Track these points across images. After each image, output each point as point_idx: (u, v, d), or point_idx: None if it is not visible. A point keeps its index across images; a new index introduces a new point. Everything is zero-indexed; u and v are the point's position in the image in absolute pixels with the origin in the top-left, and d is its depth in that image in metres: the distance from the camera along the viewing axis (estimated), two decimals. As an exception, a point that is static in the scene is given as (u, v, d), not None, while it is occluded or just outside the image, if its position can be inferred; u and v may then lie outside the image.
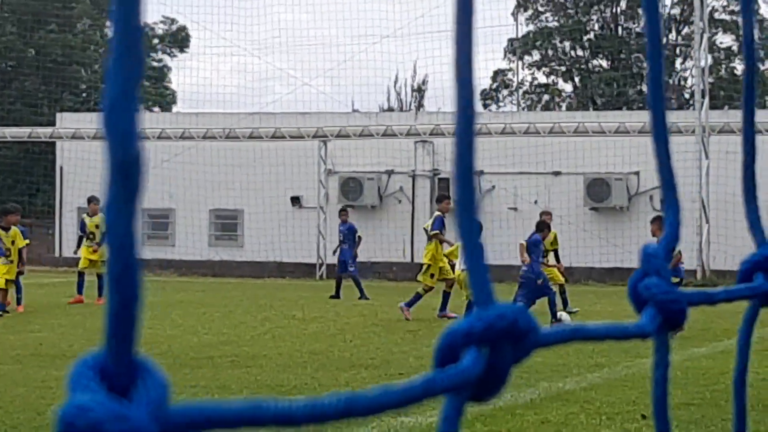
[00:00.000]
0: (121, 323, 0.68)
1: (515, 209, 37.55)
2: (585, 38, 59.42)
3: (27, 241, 22.22)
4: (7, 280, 21.31)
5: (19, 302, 21.68)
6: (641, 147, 35.08)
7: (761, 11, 51.29)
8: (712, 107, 36.80)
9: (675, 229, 1.11)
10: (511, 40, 58.75)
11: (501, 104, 60.15)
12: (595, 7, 59.17)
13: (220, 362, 13.90)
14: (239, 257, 40.18)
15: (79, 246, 25.49)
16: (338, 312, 21.97)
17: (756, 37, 1.33)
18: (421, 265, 21.98)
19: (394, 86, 59.18)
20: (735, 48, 57.31)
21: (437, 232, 21.33)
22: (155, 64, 59.68)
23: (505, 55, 59.90)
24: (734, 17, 56.19)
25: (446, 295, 20.77)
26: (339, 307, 23.28)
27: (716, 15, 56.14)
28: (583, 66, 59.93)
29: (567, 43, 59.76)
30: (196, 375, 12.55)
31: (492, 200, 37.29)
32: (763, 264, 1.27)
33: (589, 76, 58.79)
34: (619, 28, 59.42)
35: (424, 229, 22.59)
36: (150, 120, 40.98)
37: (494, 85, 60.17)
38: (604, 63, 59.70)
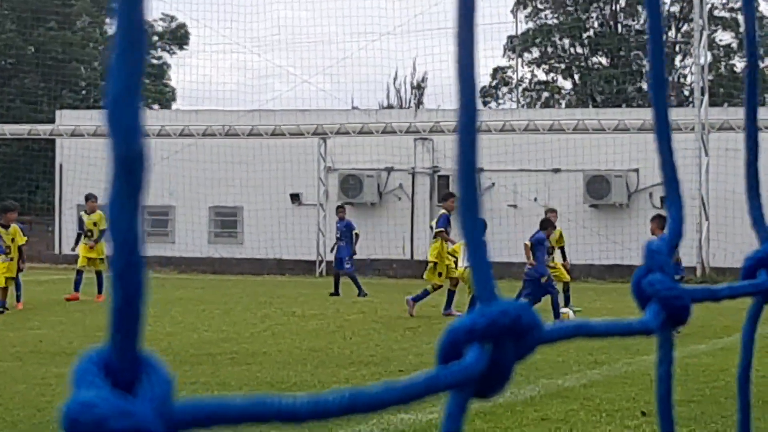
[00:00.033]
0: (125, 319, 0.68)
1: (515, 206, 37.55)
2: (584, 35, 59.43)
3: (26, 239, 22.22)
4: (7, 278, 21.30)
5: (18, 299, 21.67)
6: (641, 144, 35.09)
7: (761, 9, 51.23)
8: (712, 104, 36.79)
9: (678, 225, 1.10)
10: (510, 38, 58.79)
11: (500, 101, 60.21)
12: (595, 5, 59.17)
13: (219, 359, 13.91)
14: (239, 254, 40.17)
15: (77, 243, 25.50)
16: (338, 309, 21.98)
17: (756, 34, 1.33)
18: (427, 263, 22.01)
19: (394, 83, 59.20)
20: (734, 45, 57.33)
21: (441, 230, 21.38)
22: (155, 61, 59.66)
23: (504, 53, 59.98)
24: (734, 14, 56.19)
25: (451, 294, 20.83)
26: (339, 304, 23.28)
27: (716, 12, 56.14)
28: (582, 63, 59.92)
29: (566, 41, 59.76)
30: (196, 372, 12.55)
31: (492, 197, 37.26)
32: (767, 261, 1.26)
33: (588, 74, 58.79)
34: (619, 26, 59.43)
35: (431, 226, 22.64)
36: (149, 117, 40.94)
37: (494, 83, 60.21)
38: (604, 60, 59.71)
